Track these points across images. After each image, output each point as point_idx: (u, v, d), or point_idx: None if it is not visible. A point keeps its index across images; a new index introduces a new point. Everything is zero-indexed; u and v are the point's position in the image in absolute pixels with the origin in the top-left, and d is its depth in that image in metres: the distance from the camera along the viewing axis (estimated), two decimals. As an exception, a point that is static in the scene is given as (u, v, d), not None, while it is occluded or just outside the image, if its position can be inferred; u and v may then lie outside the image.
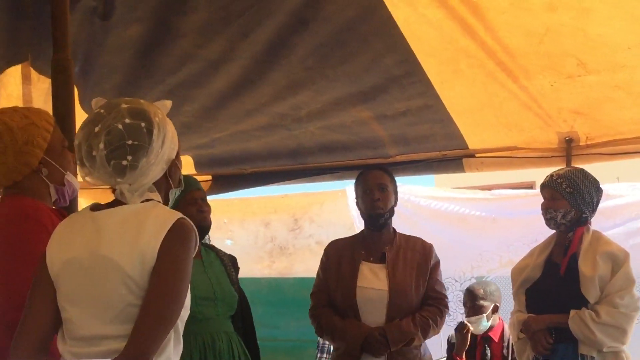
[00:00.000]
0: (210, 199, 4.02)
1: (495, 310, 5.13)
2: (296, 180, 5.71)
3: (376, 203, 4.07)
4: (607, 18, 3.57)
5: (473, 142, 4.98)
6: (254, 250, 6.47)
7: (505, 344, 5.05)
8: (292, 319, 6.02)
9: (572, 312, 3.90)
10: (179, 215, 2.32)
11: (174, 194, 2.51)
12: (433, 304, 4.06)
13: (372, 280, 4.03)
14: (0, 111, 2.83)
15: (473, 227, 5.93)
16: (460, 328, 5.09)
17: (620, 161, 5.04)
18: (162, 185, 2.44)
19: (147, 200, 2.35)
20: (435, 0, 3.57)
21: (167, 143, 2.38)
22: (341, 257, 4.16)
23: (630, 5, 3.49)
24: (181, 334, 2.34)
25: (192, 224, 2.33)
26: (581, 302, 3.91)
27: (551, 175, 4.12)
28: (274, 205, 6.60)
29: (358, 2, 3.65)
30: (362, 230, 4.28)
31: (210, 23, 3.78)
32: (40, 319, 2.32)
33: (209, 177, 5.65)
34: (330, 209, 6.40)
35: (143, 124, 2.31)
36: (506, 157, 5.11)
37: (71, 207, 3.10)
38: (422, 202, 6.04)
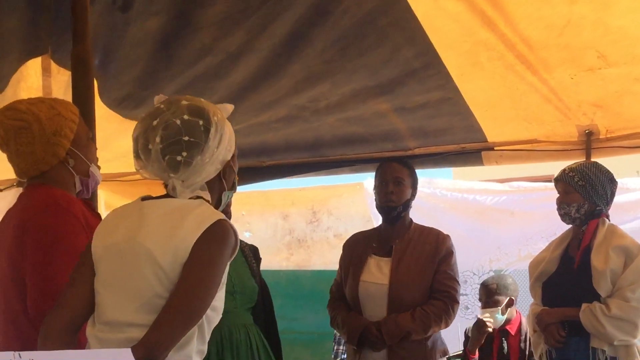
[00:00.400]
0: (229, 191, 4.03)
1: (510, 304, 5.11)
2: (314, 173, 5.72)
3: (389, 196, 4.08)
4: (628, 10, 3.54)
5: (492, 135, 4.96)
6: (272, 243, 6.49)
7: (523, 337, 5.04)
8: (310, 311, 6.03)
9: (584, 305, 3.90)
10: (221, 216, 2.31)
11: (226, 196, 2.51)
12: (439, 297, 4.02)
13: (375, 275, 4.05)
14: (28, 102, 2.84)
15: (492, 220, 5.92)
16: (479, 325, 5.07)
17: (640, 155, 5.02)
18: (215, 185, 2.45)
19: (196, 197, 2.35)
20: (455, -8, 3.56)
21: (223, 144, 2.38)
22: (354, 250, 4.22)
23: (652, -3, 3.47)
24: (207, 336, 2.33)
25: (233, 227, 2.32)
26: (594, 295, 3.90)
27: (564, 170, 4.12)
28: (292, 198, 6.61)
29: (377, -6, 3.65)
30: (382, 223, 4.29)
31: (229, 15, 3.78)
32: (75, 301, 2.33)
33: (228, 170, 5.63)
34: (349, 201, 6.41)
35: (201, 122, 2.32)
36: (525, 150, 5.08)
37: (91, 198, 3.12)
38: (441, 195, 6.03)
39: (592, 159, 4.73)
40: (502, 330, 5.15)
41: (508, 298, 5.10)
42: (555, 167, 4.30)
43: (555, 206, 4.18)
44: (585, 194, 4.01)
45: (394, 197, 4.09)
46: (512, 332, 5.12)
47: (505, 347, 5.13)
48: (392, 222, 4.16)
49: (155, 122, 2.31)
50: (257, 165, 5.57)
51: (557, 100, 4.40)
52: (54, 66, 4.16)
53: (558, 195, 4.14)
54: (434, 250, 4.07)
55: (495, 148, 5.15)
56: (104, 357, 1.50)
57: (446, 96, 4.44)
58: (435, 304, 3.99)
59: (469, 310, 5.87)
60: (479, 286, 5.40)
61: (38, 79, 4.26)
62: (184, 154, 2.29)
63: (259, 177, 5.70)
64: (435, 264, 4.05)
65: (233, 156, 2.48)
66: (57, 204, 2.74)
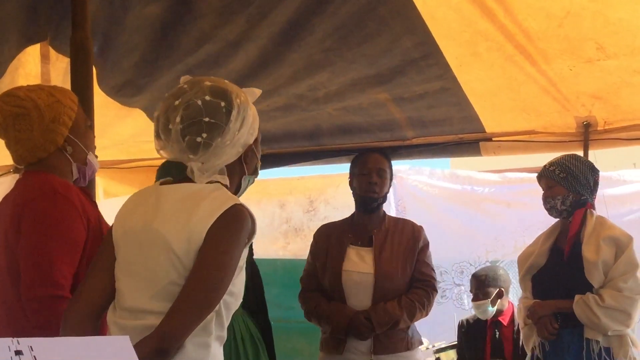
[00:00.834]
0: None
1: (500, 295, 5.12)
2: (312, 162, 5.71)
3: (373, 187, 4.09)
4: (627, 2, 3.55)
5: (490, 125, 4.97)
6: (269, 231, 6.48)
7: (516, 327, 5.06)
8: (307, 300, 6.04)
9: (577, 297, 3.92)
10: (237, 200, 2.28)
11: (247, 180, 2.48)
12: (420, 286, 4.08)
13: (358, 264, 4.04)
14: (27, 89, 2.84)
15: (488, 211, 5.92)
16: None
17: (637, 147, 5.02)
18: (236, 169, 2.41)
19: (213, 182, 2.33)
20: (455, -17, 3.56)
21: (245, 127, 2.34)
22: (329, 241, 4.19)
23: (652, -11, 3.47)
24: (226, 322, 2.30)
25: (249, 211, 2.29)
26: (585, 287, 3.92)
27: (544, 166, 4.16)
28: (289, 187, 6.60)
29: (377, -17, 3.64)
30: (353, 214, 4.28)
31: (229, 3, 3.77)
32: (96, 286, 2.32)
33: (226, 158, 5.63)
34: (346, 191, 6.32)
35: (223, 104, 2.29)
36: (523, 141, 5.09)
37: (89, 186, 3.12)
38: (438, 185, 6.03)
39: (590, 151, 4.76)
40: (494, 322, 5.17)
41: (498, 289, 5.11)
42: (552, 158, 4.30)
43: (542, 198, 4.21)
44: (567, 185, 4.04)
45: (377, 187, 4.11)
46: (505, 323, 5.14)
47: (498, 338, 5.14)
48: (370, 212, 4.17)
49: (177, 102, 2.28)
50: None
51: (556, 91, 4.41)
52: (52, 53, 4.15)
53: (540, 193, 4.17)
54: (413, 241, 4.12)
55: (494, 139, 5.15)
56: (102, 345, 1.49)
57: (445, 86, 4.45)
58: (418, 293, 4.05)
59: (465, 301, 5.88)
60: (475, 277, 5.40)
61: (37, 66, 4.25)
62: (204, 135, 2.25)
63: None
64: (415, 254, 4.10)
65: (256, 140, 2.45)
66: (54, 190, 2.74)
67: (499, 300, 5.12)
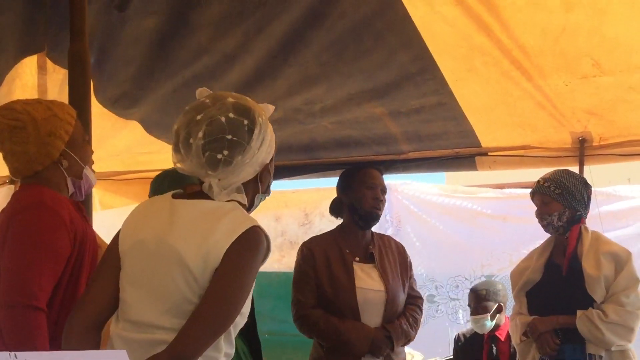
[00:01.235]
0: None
1: (500, 310, 5.12)
2: (308, 175, 5.71)
3: (379, 204, 4.08)
4: (624, 19, 3.55)
5: (486, 140, 4.98)
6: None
7: (512, 342, 5.05)
8: (301, 313, 6.03)
9: (579, 312, 3.92)
10: (255, 222, 2.27)
11: (259, 199, 2.46)
12: (414, 302, 4.12)
13: (368, 281, 4.01)
14: (25, 102, 2.85)
15: (484, 226, 5.93)
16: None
17: (632, 163, 5.04)
18: (251, 187, 2.39)
19: (230, 200, 2.31)
20: (452, -2, 3.57)
21: (264, 146, 2.33)
22: (328, 256, 4.08)
23: (648, 6, 3.48)
24: (233, 338, 2.30)
25: (266, 233, 2.28)
26: (586, 301, 3.93)
27: (538, 182, 4.17)
28: (285, 200, 6.61)
29: (374, -2, 3.65)
30: (339, 227, 4.22)
31: (226, 16, 3.78)
32: (100, 296, 2.30)
33: (221, 171, 5.62)
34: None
35: (246, 122, 2.28)
36: (519, 156, 5.10)
37: (86, 201, 3.12)
38: (433, 200, 6.04)
39: (585, 166, 4.77)
40: (491, 336, 5.16)
41: (497, 304, 5.11)
42: (545, 174, 4.32)
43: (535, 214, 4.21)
44: (563, 201, 4.05)
45: (382, 205, 4.11)
46: (502, 338, 5.13)
47: (495, 353, 5.14)
48: (366, 228, 4.15)
49: (199, 117, 2.25)
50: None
51: (552, 106, 4.42)
52: (49, 64, 4.16)
53: (536, 208, 4.17)
54: (403, 258, 4.16)
55: (489, 153, 5.16)
56: (100, 359, 1.49)
57: (441, 101, 4.45)
58: (415, 309, 4.09)
59: (460, 315, 5.88)
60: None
61: (33, 77, 4.26)
62: (225, 152, 2.23)
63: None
64: (408, 270, 4.14)
65: (271, 159, 2.44)
66: (42, 201, 2.75)
67: (497, 315, 5.12)
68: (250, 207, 2.43)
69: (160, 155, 5.33)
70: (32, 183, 2.84)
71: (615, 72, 3.98)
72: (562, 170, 4.21)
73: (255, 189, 2.42)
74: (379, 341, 3.90)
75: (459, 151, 5.19)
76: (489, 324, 5.11)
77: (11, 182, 5.85)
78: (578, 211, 4.07)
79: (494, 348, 5.15)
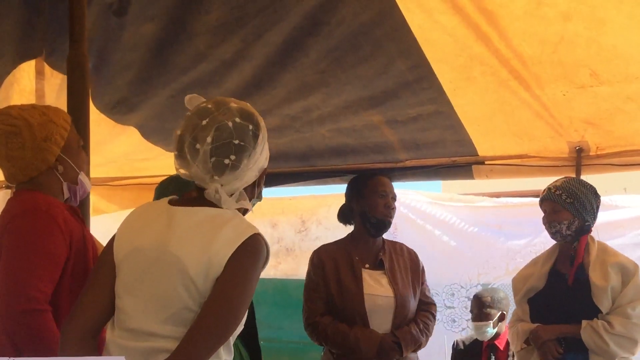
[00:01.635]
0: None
1: (502, 318, 5.12)
2: (304, 182, 5.71)
3: (391, 211, 4.09)
4: (621, 29, 3.56)
5: (483, 149, 4.98)
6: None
7: (511, 352, 5.04)
8: (297, 320, 5.96)
9: (584, 322, 3.91)
10: (256, 230, 2.28)
11: (252, 204, 2.47)
12: (427, 309, 4.14)
13: (377, 287, 4.03)
14: (20, 107, 2.86)
15: (480, 234, 5.92)
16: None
17: (628, 172, 5.04)
18: (248, 192, 2.40)
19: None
20: (450, 7, 3.56)
21: (264, 151, 2.37)
22: (337, 263, 4.12)
23: (646, 17, 3.49)
24: (231, 345, 2.31)
25: (265, 240, 2.30)
26: (591, 312, 3.92)
27: (549, 188, 4.14)
28: (281, 207, 6.59)
29: (373, 6, 3.64)
30: (350, 235, 4.25)
31: (224, 23, 3.78)
32: (94, 304, 2.29)
33: (218, 177, 5.61)
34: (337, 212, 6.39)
35: (250, 127, 2.30)
36: (516, 164, 5.10)
37: (81, 206, 3.11)
38: (430, 208, 6.04)
39: (582, 176, 4.76)
40: (490, 345, 5.15)
41: (500, 312, 5.10)
42: (543, 182, 4.32)
43: (543, 221, 4.20)
44: (574, 211, 4.03)
45: (393, 213, 4.12)
46: (501, 347, 5.12)
47: (493, 362, 5.14)
48: (378, 235, 4.16)
49: (205, 122, 2.26)
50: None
51: (549, 116, 4.42)
52: (47, 69, 4.15)
53: (544, 214, 4.15)
54: (415, 264, 4.15)
55: (486, 162, 5.16)
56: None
57: (439, 110, 4.45)
58: (427, 316, 4.10)
59: (455, 323, 5.87)
60: (465, 299, 5.41)
61: (31, 82, 4.25)
62: (232, 157, 2.25)
63: (249, 185, 5.69)
64: (419, 276, 4.15)
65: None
66: (36, 206, 2.75)
67: (499, 323, 5.12)
68: (245, 212, 2.44)
69: (157, 162, 5.33)
70: (27, 189, 2.85)
71: (613, 82, 3.98)
72: (574, 178, 4.21)
73: (252, 194, 2.44)
74: (386, 347, 3.91)
75: (456, 160, 5.19)
76: (491, 331, 5.10)
77: (7, 187, 5.84)
78: (587, 221, 4.06)
79: (493, 357, 5.14)
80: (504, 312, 5.12)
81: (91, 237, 2.97)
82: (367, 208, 4.15)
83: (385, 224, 4.12)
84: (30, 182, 2.85)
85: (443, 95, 4.27)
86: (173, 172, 2.52)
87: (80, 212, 3.05)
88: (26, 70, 4.17)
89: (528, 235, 5.62)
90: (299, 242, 6.41)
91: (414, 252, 4.25)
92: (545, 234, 4.23)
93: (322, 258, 4.18)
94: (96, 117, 4.36)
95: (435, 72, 4.08)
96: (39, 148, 2.81)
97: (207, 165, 2.25)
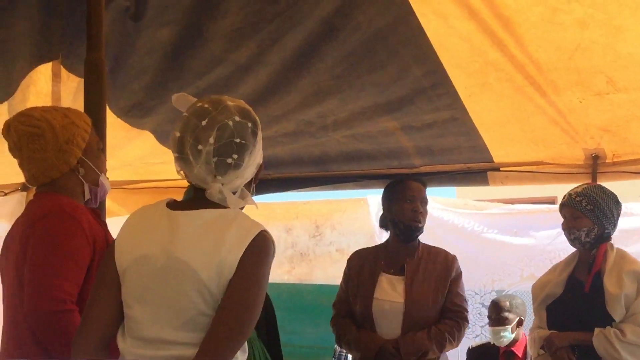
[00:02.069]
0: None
1: (520, 323, 5.11)
2: (319, 187, 5.71)
3: (418, 216, 4.07)
4: (638, 37, 3.55)
5: (498, 155, 4.97)
6: (275, 256, 6.47)
7: (528, 359, 5.02)
8: (310, 325, 6.02)
9: (597, 330, 3.89)
10: (262, 227, 2.28)
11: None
12: (452, 317, 4.05)
13: (389, 292, 4.02)
14: (42, 109, 2.87)
15: (494, 241, 5.91)
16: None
17: (643, 179, 5.02)
18: (246, 188, 2.40)
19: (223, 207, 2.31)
20: (466, 13, 3.55)
21: (261, 148, 2.38)
22: (362, 267, 4.17)
23: (663, 25, 3.47)
24: (246, 345, 2.30)
25: (271, 236, 2.30)
26: (605, 319, 3.90)
27: (569, 194, 4.10)
28: (296, 211, 6.60)
29: (388, 12, 3.64)
30: (387, 240, 4.27)
31: (240, 27, 3.78)
32: (104, 315, 2.28)
33: (233, 181, 5.62)
34: (352, 217, 6.39)
35: (249, 124, 2.30)
36: (531, 171, 5.09)
37: (100, 207, 3.13)
38: (444, 214, 6.03)
39: (598, 183, 4.74)
40: (506, 351, 5.14)
41: (518, 317, 5.09)
42: (558, 189, 4.31)
43: (558, 228, 4.18)
44: (594, 218, 4.00)
45: (421, 217, 4.11)
46: (519, 354, 5.10)
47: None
48: (410, 240, 4.16)
49: (204, 122, 2.25)
50: (263, 177, 5.54)
51: (565, 122, 4.40)
52: (64, 72, 4.17)
53: (563, 220, 4.13)
54: (446, 271, 4.10)
55: (502, 169, 5.15)
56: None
57: (454, 116, 4.44)
58: (448, 323, 4.02)
59: (469, 330, 5.86)
60: (480, 306, 5.39)
61: (48, 84, 4.26)
62: (235, 156, 2.25)
63: (263, 189, 5.69)
64: (447, 284, 4.08)
65: None
66: (61, 209, 2.75)
67: (517, 328, 5.10)
68: (242, 207, 2.44)
69: (172, 166, 5.28)
70: (48, 191, 2.86)
71: (630, 89, 3.97)
72: (595, 185, 4.19)
73: (249, 190, 2.43)
74: (386, 352, 3.89)
75: (471, 166, 5.18)
76: (509, 336, 5.09)
77: (23, 189, 5.86)
78: (607, 229, 4.03)
79: (510, 363, 5.13)
80: (522, 318, 5.11)
81: (113, 239, 2.98)
82: (395, 214, 4.17)
83: (412, 229, 4.10)
84: (52, 184, 2.87)
85: (458, 101, 4.27)
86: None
87: (101, 214, 3.07)
88: (43, 73, 4.18)
89: (542, 242, 5.60)
90: (313, 247, 6.42)
91: (452, 258, 4.18)
92: (560, 240, 4.22)
93: (352, 261, 4.28)
94: (112, 121, 4.36)
95: (451, 78, 4.07)
96: (61, 150, 2.82)
97: (209, 166, 2.25)
